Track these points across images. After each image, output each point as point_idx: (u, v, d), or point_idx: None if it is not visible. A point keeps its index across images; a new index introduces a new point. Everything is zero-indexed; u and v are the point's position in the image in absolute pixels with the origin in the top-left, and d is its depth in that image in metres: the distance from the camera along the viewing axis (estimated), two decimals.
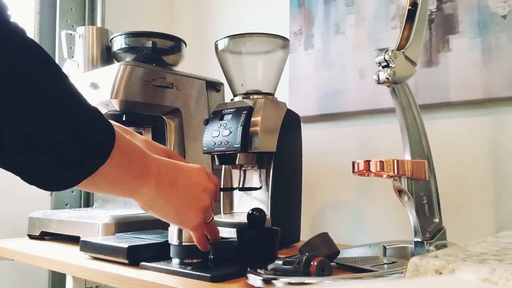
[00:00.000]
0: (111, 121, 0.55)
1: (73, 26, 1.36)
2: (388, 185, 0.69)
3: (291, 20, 1.20)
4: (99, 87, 0.97)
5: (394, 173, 0.64)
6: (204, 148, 0.91)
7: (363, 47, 1.06)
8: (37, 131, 0.47)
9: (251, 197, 0.95)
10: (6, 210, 1.21)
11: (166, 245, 0.80)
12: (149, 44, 1.09)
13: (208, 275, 0.63)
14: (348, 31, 1.09)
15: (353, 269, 0.68)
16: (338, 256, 0.70)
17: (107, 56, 1.15)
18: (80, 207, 1.32)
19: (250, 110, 0.88)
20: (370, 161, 0.64)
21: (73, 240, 0.95)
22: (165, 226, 0.98)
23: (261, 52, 1.01)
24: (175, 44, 1.13)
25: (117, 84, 0.95)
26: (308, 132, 1.10)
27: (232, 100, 0.97)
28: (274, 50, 1.00)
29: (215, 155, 0.93)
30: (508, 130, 0.88)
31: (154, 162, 0.62)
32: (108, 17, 1.42)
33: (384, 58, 0.68)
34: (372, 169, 0.63)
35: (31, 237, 1.09)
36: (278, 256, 0.69)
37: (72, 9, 1.39)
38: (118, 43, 1.11)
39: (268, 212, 0.88)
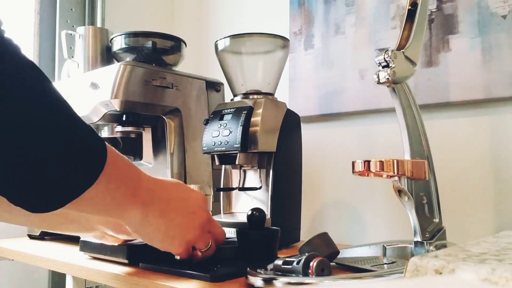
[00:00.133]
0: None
1: (73, 26, 1.36)
2: (388, 185, 0.69)
3: (291, 20, 1.20)
4: (99, 87, 0.97)
5: (394, 173, 0.64)
6: (204, 148, 0.91)
7: (363, 47, 1.06)
8: (23, 152, 0.45)
9: (251, 197, 0.95)
10: None
11: None
12: (149, 44, 1.09)
13: (208, 275, 0.63)
14: (348, 31, 1.09)
15: (353, 269, 0.68)
16: (338, 256, 0.70)
17: (107, 56, 1.15)
18: None
19: (250, 110, 0.88)
20: (370, 161, 0.64)
21: (73, 240, 0.95)
22: None
23: (261, 52, 1.01)
24: (175, 44, 1.13)
25: (117, 84, 0.95)
26: (308, 132, 1.10)
27: (232, 100, 0.97)
28: (274, 50, 1.00)
29: (215, 155, 0.93)
30: (508, 130, 0.88)
31: (146, 187, 0.60)
32: (108, 17, 1.42)
33: (384, 58, 0.68)
34: (372, 169, 0.63)
35: (31, 237, 1.09)
36: (278, 256, 0.69)
37: (72, 9, 1.39)
38: (118, 43, 1.11)
39: (268, 212, 0.88)
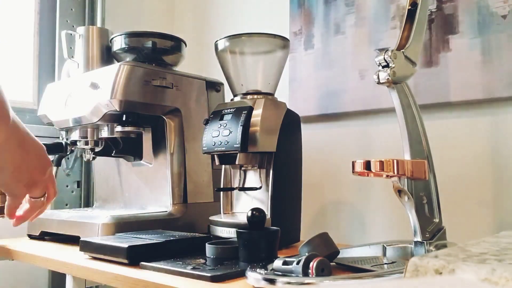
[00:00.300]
0: None
1: (73, 26, 1.36)
2: (388, 185, 0.69)
3: (291, 20, 1.20)
4: (99, 87, 0.97)
5: (394, 173, 0.64)
6: (204, 148, 0.91)
7: (363, 47, 1.06)
8: None
9: (251, 197, 0.95)
10: None
11: (166, 245, 0.80)
12: (149, 44, 1.09)
13: (208, 275, 0.63)
14: (348, 31, 1.09)
15: (352, 269, 0.68)
16: (338, 256, 0.70)
17: (107, 56, 1.15)
18: (80, 207, 1.32)
19: (250, 110, 0.88)
20: (370, 161, 0.64)
21: (73, 240, 0.95)
22: (165, 227, 0.98)
23: (261, 52, 1.01)
24: (175, 44, 1.13)
25: (117, 84, 0.95)
26: (308, 132, 1.10)
27: (232, 100, 0.97)
28: (274, 50, 1.00)
29: (215, 155, 0.93)
30: (508, 130, 0.88)
31: (13, 116, 0.64)
32: (108, 17, 1.42)
33: (384, 58, 0.68)
34: (372, 169, 0.63)
35: (31, 237, 1.09)
36: (278, 256, 0.69)
37: (72, 9, 1.39)
38: (118, 43, 1.11)
39: (268, 212, 0.88)
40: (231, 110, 0.91)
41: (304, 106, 1.14)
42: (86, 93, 0.99)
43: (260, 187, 0.92)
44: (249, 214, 0.73)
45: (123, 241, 0.80)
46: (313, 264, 0.58)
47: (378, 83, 0.69)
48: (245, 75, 0.99)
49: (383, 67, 0.69)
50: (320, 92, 1.12)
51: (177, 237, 0.84)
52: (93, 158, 1.12)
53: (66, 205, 1.32)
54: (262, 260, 0.68)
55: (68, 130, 1.10)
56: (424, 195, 0.68)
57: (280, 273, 0.60)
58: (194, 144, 1.07)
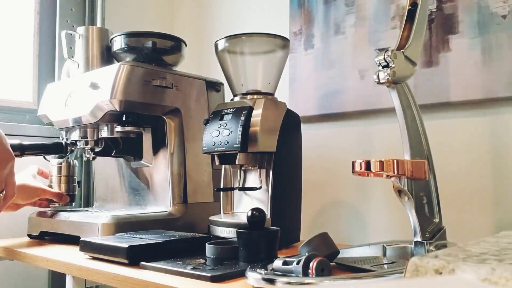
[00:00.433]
0: None
1: (73, 26, 1.36)
2: (388, 185, 0.69)
3: (291, 20, 1.20)
4: (99, 87, 0.97)
5: (394, 173, 0.64)
6: (204, 148, 0.91)
7: (363, 47, 1.06)
8: None
9: (251, 197, 0.95)
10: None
11: (166, 245, 0.80)
12: (149, 44, 1.09)
13: (208, 275, 0.63)
14: (348, 31, 1.09)
15: (352, 269, 0.68)
16: (338, 256, 0.70)
17: (107, 56, 1.15)
18: (80, 207, 1.32)
19: (250, 110, 0.88)
20: (370, 161, 0.64)
21: (73, 240, 0.95)
22: (165, 227, 0.98)
23: (261, 52, 1.01)
24: (175, 44, 1.13)
25: (117, 84, 0.95)
26: (308, 132, 1.10)
27: (232, 100, 0.97)
28: (274, 50, 1.00)
29: (215, 155, 0.93)
30: (508, 130, 0.88)
31: None
32: (108, 17, 1.42)
33: (384, 58, 0.68)
34: (372, 169, 0.63)
35: (31, 237, 1.09)
36: (278, 256, 0.69)
37: (72, 9, 1.39)
38: (118, 43, 1.11)
39: (268, 212, 0.88)
40: (231, 110, 0.91)
41: (304, 106, 1.14)
42: (86, 93, 0.99)
43: (260, 187, 0.92)
44: (249, 214, 0.73)
45: (123, 241, 0.80)
46: (313, 264, 0.58)
47: (378, 83, 0.69)
48: (245, 75, 0.99)
49: (383, 67, 0.69)
50: (320, 92, 1.12)
51: (177, 237, 0.84)
52: (93, 158, 1.12)
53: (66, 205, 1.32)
54: (262, 260, 0.68)
55: (68, 130, 1.10)
56: (424, 195, 0.68)
57: (280, 273, 0.60)
58: (194, 144, 1.07)
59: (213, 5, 1.47)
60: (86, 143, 1.08)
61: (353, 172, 0.65)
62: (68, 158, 1.13)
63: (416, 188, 0.67)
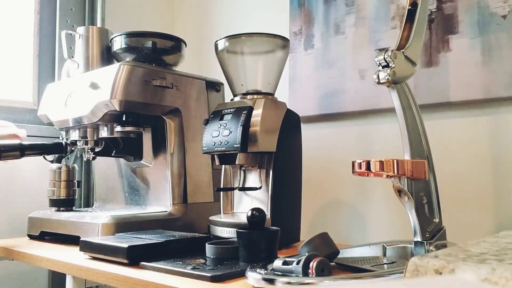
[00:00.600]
0: None
1: (73, 26, 1.36)
2: (388, 185, 0.69)
3: (291, 20, 1.20)
4: (99, 87, 0.97)
5: (394, 173, 0.64)
6: (204, 148, 0.91)
7: (363, 47, 1.06)
8: None
9: (251, 197, 0.95)
10: (6, 210, 1.21)
11: (166, 245, 0.80)
12: (149, 44, 1.09)
13: (208, 275, 0.63)
14: (348, 31, 1.09)
15: (352, 269, 0.68)
16: (338, 256, 0.70)
17: (107, 56, 1.15)
18: (80, 207, 1.32)
19: (250, 110, 0.88)
20: (370, 161, 0.64)
21: (73, 240, 0.95)
22: (165, 227, 0.98)
23: (261, 52, 1.01)
24: (175, 44, 1.13)
25: (117, 84, 0.95)
26: (308, 132, 1.10)
27: (232, 100, 0.97)
28: (274, 50, 1.00)
29: (215, 155, 0.93)
30: (508, 130, 0.88)
31: None
32: (108, 17, 1.42)
33: (384, 58, 0.68)
34: (372, 169, 0.63)
35: (31, 237, 1.09)
36: (278, 256, 0.69)
37: (72, 9, 1.39)
38: (118, 43, 1.11)
39: (268, 212, 0.88)
40: (231, 110, 0.90)
41: (304, 106, 1.14)
42: (86, 93, 0.99)
43: (260, 187, 0.92)
44: (249, 214, 0.73)
45: (123, 241, 0.80)
46: (313, 264, 0.58)
47: (378, 83, 0.69)
48: (245, 75, 0.99)
49: (383, 67, 0.69)
50: (320, 92, 1.12)
51: (177, 237, 0.84)
52: (93, 158, 1.13)
53: None
54: (262, 260, 0.68)
55: (68, 130, 1.10)
56: (424, 195, 0.68)
57: (280, 273, 0.60)
58: (194, 144, 1.07)
59: (213, 5, 1.47)
60: (86, 143, 1.08)
61: (353, 172, 0.65)
62: (67, 162, 1.13)
63: (416, 188, 0.67)
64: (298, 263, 0.58)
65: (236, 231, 0.73)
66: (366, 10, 1.06)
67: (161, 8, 1.59)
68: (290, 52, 1.12)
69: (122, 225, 0.92)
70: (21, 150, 1.07)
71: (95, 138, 1.08)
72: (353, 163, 0.65)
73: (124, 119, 1.00)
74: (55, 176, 1.12)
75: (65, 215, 1.03)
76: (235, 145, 0.86)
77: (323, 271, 0.58)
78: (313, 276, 0.57)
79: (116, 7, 1.46)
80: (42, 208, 1.14)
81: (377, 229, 1.04)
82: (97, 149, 1.10)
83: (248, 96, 0.95)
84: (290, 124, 0.94)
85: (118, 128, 1.02)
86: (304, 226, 0.99)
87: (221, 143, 0.88)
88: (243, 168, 0.95)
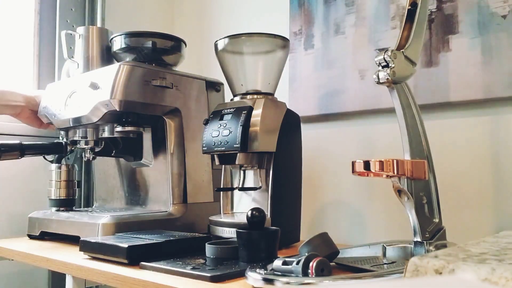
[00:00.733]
0: None
1: (73, 26, 1.36)
2: (388, 185, 0.69)
3: (291, 20, 1.20)
4: (99, 87, 0.97)
5: (393, 173, 0.64)
6: (204, 148, 0.91)
7: (363, 47, 1.06)
8: None
9: (251, 197, 0.95)
10: (6, 210, 1.21)
11: (166, 245, 0.80)
12: (149, 44, 1.09)
13: (208, 275, 0.63)
14: (348, 31, 1.09)
15: (352, 269, 0.68)
16: (338, 256, 0.70)
17: (107, 56, 1.15)
18: (80, 207, 1.32)
19: (250, 110, 0.88)
20: (369, 161, 0.64)
21: (73, 240, 0.95)
22: (165, 227, 0.98)
23: (261, 52, 1.01)
24: (175, 44, 1.13)
25: (117, 84, 0.95)
26: (308, 132, 1.10)
27: (232, 100, 0.97)
28: (274, 50, 1.00)
29: (215, 155, 0.93)
30: (508, 130, 0.88)
31: None
32: (108, 17, 1.42)
33: (384, 58, 0.68)
34: (372, 169, 0.63)
35: (31, 237, 1.09)
36: (278, 256, 0.69)
37: (72, 9, 1.39)
38: (118, 43, 1.11)
39: (268, 212, 0.88)
40: (231, 110, 0.90)
41: (304, 106, 1.14)
42: (86, 93, 0.99)
43: (260, 187, 0.92)
44: (249, 214, 0.73)
45: (123, 241, 0.80)
46: (313, 264, 0.58)
47: (378, 83, 0.69)
48: (245, 75, 0.99)
49: (383, 67, 0.69)
50: (320, 92, 1.12)
51: (177, 237, 0.84)
52: (93, 158, 1.13)
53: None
54: (262, 260, 0.68)
55: (68, 130, 1.10)
56: (424, 195, 0.68)
57: (280, 273, 0.60)
58: (194, 144, 1.07)
59: (213, 5, 1.47)
60: (86, 143, 1.08)
61: (353, 172, 0.65)
62: (67, 162, 1.13)
63: (416, 188, 0.67)
64: (298, 263, 0.58)
65: (236, 231, 0.73)
66: (366, 10, 1.06)
67: (161, 8, 1.59)
68: (290, 52, 1.12)
69: (122, 225, 0.92)
70: (21, 150, 1.07)
71: (95, 138, 1.08)
72: (353, 163, 0.65)
73: (124, 119, 1.00)
74: (55, 176, 1.12)
75: (65, 215, 1.03)
76: (235, 145, 0.86)
77: (323, 271, 0.58)
78: (313, 276, 0.57)
79: (116, 7, 1.46)
80: (42, 208, 1.14)
81: (377, 229, 1.04)
82: (97, 149, 1.10)
83: (248, 96, 0.95)
84: (290, 124, 0.94)
85: (118, 128, 1.02)
86: (304, 226, 0.99)
87: (221, 143, 0.88)
88: (243, 168, 0.95)
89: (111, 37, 1.13)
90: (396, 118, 0.70)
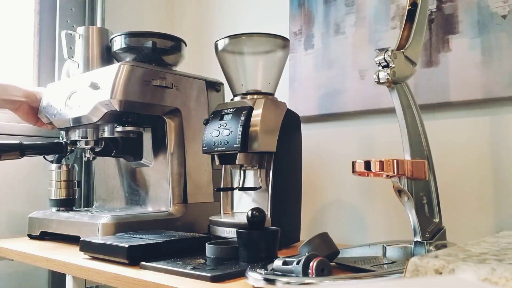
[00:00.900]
0: None
1: (73, 26, 1.36)
2: (388, 185, 0.69)
3: (291, 20, 1.20)
4: (99, 87, 0.97)
5: (394, 173, 0.64)
6: (204, 148, 0.91)
7: (363, 47, 1.06)
8: None
9: (251, 197, 0.95)
10: (6, 210, 1.21)
11: (166, 245, 0.80)
12: (149, 44, 1.09)
13: (208, 275, 0.63)
14: (348, 31, 1.09)
15: (352, 269, 0.68)
16: (338, 256, 0.70)
17: (107, 56, 1.15)
18: (80, 207, 1.32)
19: (250, 110, 0.88)
20: (370, 161, 0.64)
21: (73, 240, 0.95)
22: (165, 227, 0.98)
23: (261, 52, 1.01)
24: (175, 44, 1.13)
25: (117, 84, 0.95)
26: (308, 132, 1.10)
27: (232, 100, 0.97)
28: (274, 50, 1.00)
29: (215, 155, 0.93)
30: (508, 130, 0.88)
31: None
32: (108, 17, 1.42)
33: (384, 58, 0.68)
34: (372, 169, 0.63)
35: (31, 237, 1.09)
36: (278, 256, 0.69)
37: (72, 9, 1.39)
38: (118, 43, 1.11)
39: (268, 212, 0.88)
40: (231, 110, 0.91)
41: (304, 106, 1.14)
42: (86, 93, 0.99)
43: (260, 187, 0.92)
44: (249, 214, 0.73)
45: (123, 241, 0.80)
46: (313, 264, 0.58)
47: (378, 83, 0.69)
48: (245, 75, 0.99)
49: (383, 67, 0.69)
50: (320, 92, 1.12)
51: (177, 237, 0.84)
52: (93, 158, 1.13)
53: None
54: (262, 260, 0.68)
55: (68, 130, 1.10)
56: (424, 195, 0.68)
57: (280, 273, 0.60)
58: (194, 144, 1.07)
59: (213, 5, 1.47)
60: (86, 143, 1.08)
61: (353, 172, 0.65)
62: (67, 162, 1.13)
63: (416, 188, 0.67)
64: (298, 263, 0.58)
65: (236, 231, 0.73)
66: (366, 10, 1.06)
67: (161, 8, 1.59)
68: (290, 52, 1.12)
69: (122, 225, 0.92)
70: (21, 150, 1.07)
71: (95, 138, 1.08)
72: (353, 163, 0.65)
73: (124, 119, 1.00)
74: (55, 176, 1.12)
75: (65, 215, 1.03)
76: (235, 145, 0.86)
77: (323, 271, 0.58)
78: (313, 276, 0.57)
79: (116, 7, 1.46)
80: (42, 208, 1.14)
81: (377, 229, 1.04)
82: (97, 149, 1.10)
83: (248, 96, 0.95)
84: (290, 124, 0.94)
85: (118, 128, 1.02)
86: (304, 226, 0.99)
87: (221, 143, 0.88)
88: (243, 168, 0.95)
89: (111, 37, 1.13)
90: (396, 118, 0.70)
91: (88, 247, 0.82)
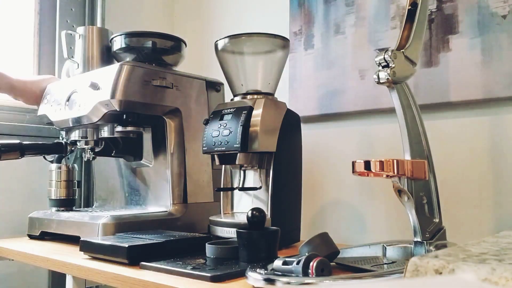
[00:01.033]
0: None
1: (73, 26, 1.36)
2: (388, 185, 0.69)
3: (291, 20, 1.20)
4: (99, 87, 0.97)
5: (394, 173, 0.64)
6: (204, 148, 0.91)
7: (363, 47, 1.06)
8: None
9: (251, 197, 0.95)
10: (6, 210, 1.21)
11: (166, 245, 0.80)
12: (149, 44, 1.09)
13: (208, 275, 0.63)
14: (348, 31, 1.09)
15: (352, 269, 0.68)
16: (338, 256, 0.70)
17: (107, 56, 1.15)
18: (80, 207, 1.32)
19: (250, 110, 0.88)
20: (370, 161, 0.64)
21: (73, 240, 0.95)
22: (165, 227, 0.98)
23: (261, 52, 1.01)
24: (175, 44, 1.13)
25: (117, 84, 0.95)
26: (308, 132, 1.10)
27: (232, 100, 0.97)
28: (274, 50, 1.00)
29: (215, 155, 0.93)
30: (508, 130, 0.88)
31: None
32: (108, 17, 1.42)
33: (384, 58, 0.68)
34: (372, 169, 0.63)
35: (31, 237, 1.09)
36: (278, 256, 0.69)
37: (72, 9, 1.39)
38: (118, 43, 1.11)
39: (268, 212, 0.88)
40: (231, 110, 0.90)
41: (304, 106, 1.14)
42: (86, 93, 0.99)
43: (260, 187, 0.92)
44: (249, 214, 0.73)
45: (123, 241, 0.80)
46: (313, 264, 0.58)
47: (378, 83, 0.69)
48: (245, 75, 0.99)
49: (383, 67, 0.69)
50: (320, 92, 1.12)
51: (177, 237, 0.84)
52: (93, 158, 1.13)
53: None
54: (262, 260, 0.68)
55: (68, 130, 1.10)
56: (424, 195, 0.68)
57: (280, 273, 0.60)
58: (194, 144, 1.07)
59: (213, 5, 1.47)
60: (86, 143, 1.08)
61: (353, 172, 0.65)
62: (67, 162, 1.13)
63: (416, 188, 0.67)
64: (298, 263, 0.58)
65: (236, 231, 0.73)
66: (366, 10, 1.06)
67: (161, 8, 1.59)
68: (290, 52, 1.12)
69: (122, 225, 0.92)
70: (21, 150, 1.07)
71: (95, 138, 1.08)
72: (353, 163, 0.65)
73: (124, 119, 1.00)
74: (55, 176, 1.12)
75: (65, 215, 1.03)
76: (235, 145, 0.86)
77: (323, 271, 0.58)
78: (313, 276, 0.57)
79: (116, 7, 1.46)
80: (42, 208, 1.14)
81: (377, 229, 1.04)
82: (97, 149, 1.10)
83: (248, 96, 0.95)
84: (290, 124, 0.94)
85: (118, 128, 1.02)
86: (304, 226, 0.99)
87: (221, 143, 0.88)
88: (243, 168, 0.96)
89: (111, 37, 1.13)
90: (396, 118, 0.70)
91: (88, 247, 0.82)
